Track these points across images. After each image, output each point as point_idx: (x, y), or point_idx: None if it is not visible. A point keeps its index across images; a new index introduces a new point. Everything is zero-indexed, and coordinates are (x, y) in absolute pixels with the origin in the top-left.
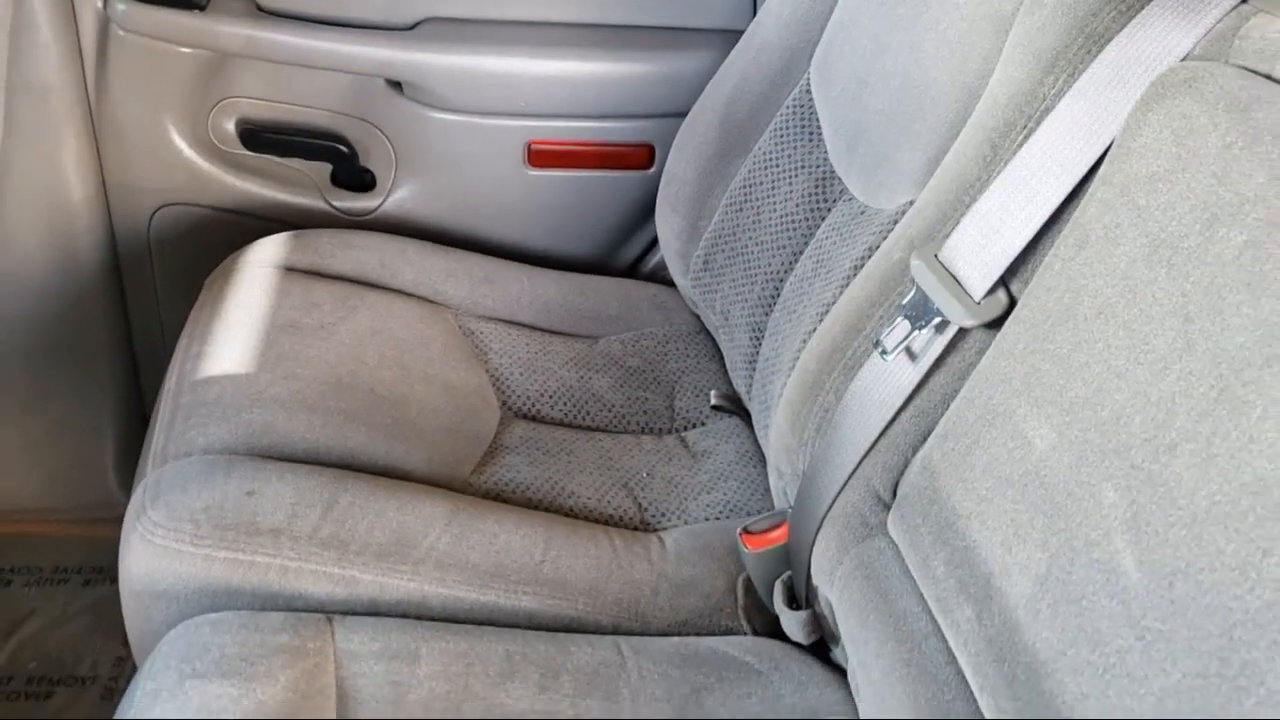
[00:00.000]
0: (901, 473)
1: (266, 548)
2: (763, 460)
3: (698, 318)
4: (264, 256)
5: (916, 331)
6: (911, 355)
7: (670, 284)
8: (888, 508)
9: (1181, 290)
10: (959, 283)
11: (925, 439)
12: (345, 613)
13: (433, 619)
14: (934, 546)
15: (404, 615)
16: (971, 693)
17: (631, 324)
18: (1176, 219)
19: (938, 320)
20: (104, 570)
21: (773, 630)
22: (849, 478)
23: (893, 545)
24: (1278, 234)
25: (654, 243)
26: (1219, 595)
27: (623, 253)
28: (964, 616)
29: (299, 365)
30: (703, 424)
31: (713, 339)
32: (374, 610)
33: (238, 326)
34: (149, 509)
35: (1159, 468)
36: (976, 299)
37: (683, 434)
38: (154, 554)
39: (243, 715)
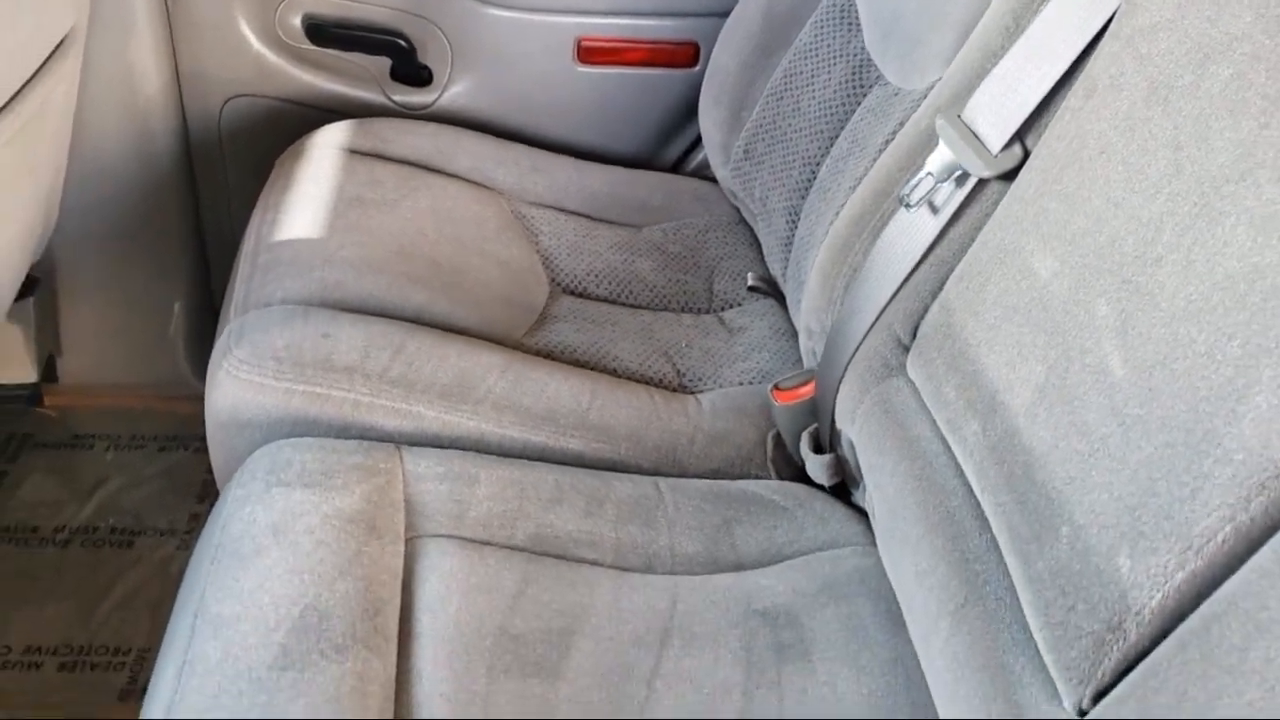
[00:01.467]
0: (921, 317)
1: (341, 383)
2: (795, 335)
3: (737, 210)
4: (330, 140)
5: (939, 185)
6: (933, 208)
7: (711, 180)
8: (907, 350)
9: (1174, 124)
10: (979, 138)
11: (943, 285)
12: (412, 444)
13: (489, 454)
14: (946, 375)
15: (464, 450)
16: (974, 496)
17: (673, 214)
18: (1174, 62)
19: (958, 173)
20: (177, 438)
21: (799, 479)
22: (872, 325)
23: (910, 384)
24: (1261, 66)
25: (696, 142)
26: (1189, 379)
27: (666, 151)
28: (970, 431)
29: (365, 233)
30: (739, 304)
31: (751, 230)
32: (437, 444)
33: (308, 198)
34: (234, 349)
35: (1146, 279)
36: (994, 152)
37: (720, 313)
38: (239, 388)
39: (322, 518)
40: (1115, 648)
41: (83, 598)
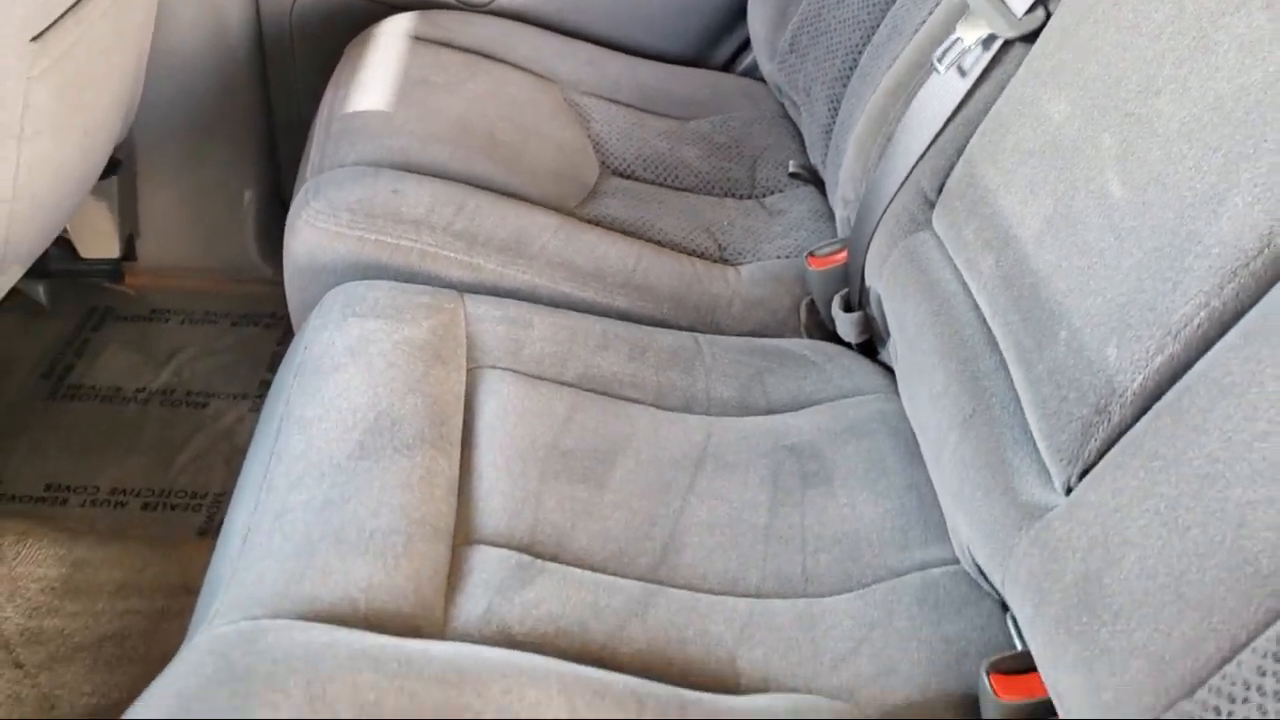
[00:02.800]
0: (947, 174)
1: (409, 234)
2: (832, 218)
3: (781, 105)
4: (397, 29)
5: (968, 50)
6: (961, 71)
7: (758, 80)
8: (932, 205)
9: None
10: (1005, 4)
11: (968, 142)
12: (472, 293)
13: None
14: (967, 220)
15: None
16: (986, 325)
17: (720, 109)
18: None
19: (985, 35)
20: (248, 315)
21: (829, 341)
22: (901, 184)
23: (935, 236)
24: None
25: (745, 44)
26: (1178, 190)
27: (716, 51)
28: (985, 265)
29: (430, 110)
30: (780, 190)
31: (794, 124)
32: (495, 293)
33: (376, 78)
34: (311, 201)
35: (1146, 109)
36: (1019, 15)
37: (762, 199)
38: (316, 236)
39: (393, 344)
40: (1100, 429)
41: (162, 449)
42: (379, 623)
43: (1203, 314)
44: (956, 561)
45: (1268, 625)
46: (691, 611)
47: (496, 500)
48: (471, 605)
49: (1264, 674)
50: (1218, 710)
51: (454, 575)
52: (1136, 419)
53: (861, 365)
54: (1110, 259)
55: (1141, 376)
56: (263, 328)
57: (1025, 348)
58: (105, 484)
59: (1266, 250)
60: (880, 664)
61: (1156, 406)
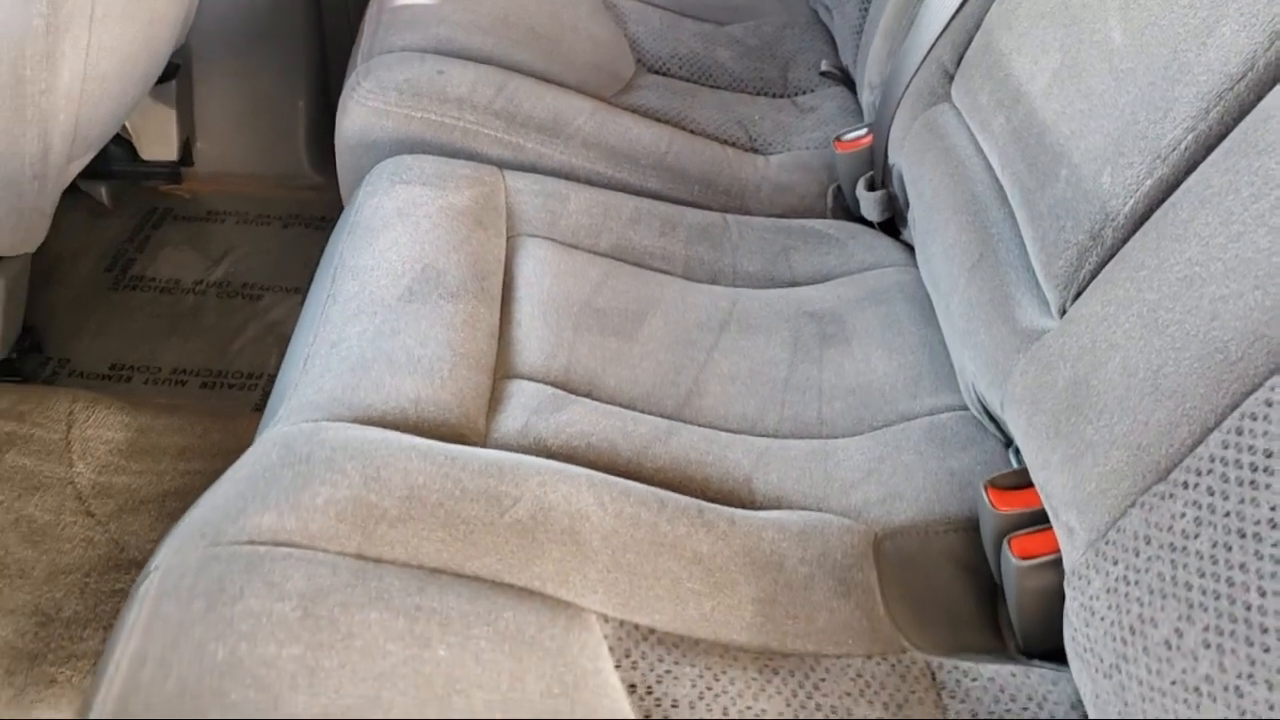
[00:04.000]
0: (966, 47)
1: (452, 112)
2: (861, 114)
3: (815, 11)
4: None
5: None
6: None
7: None
8: (952, 79)
9: None
10: None
11: (986, 15)
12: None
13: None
14: (982, 85)
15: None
16: (997, 181)
17: (755, 14)
18: None
19: None
20: (299, 217)
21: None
22: (922, 61)
23: (953, 108)
24: None
25: None
26: (1172, 28)
27: None
28: (997, 124)
29: (473, 3)
30: (812, 90)
31: (826, 29)
32: (534, 171)
33: None
34: (362, 83)
35: None
36: None
37: (793, 97)
38: (366, 114)
39: (438, 209)
40: (1094, 253)
41: (219, 335)
42: (427, 430)
43: (1189, 138)
44: (964, 407)
45: (1233, 408)
46: (712, 443)
47: (534, 344)
48: (510, 422)
49: (1227, 447)
50: (1185, 485)
51: (494, 400)
52: (1126, 240)
53: (882, 241)
54: (1109, 99)
55: (1132, 200)
56: (313, 229)
57: (1029, 189)
58: (165, 365)
59: (1250, 74)
60: (887, 490)
61: (1144, 227)
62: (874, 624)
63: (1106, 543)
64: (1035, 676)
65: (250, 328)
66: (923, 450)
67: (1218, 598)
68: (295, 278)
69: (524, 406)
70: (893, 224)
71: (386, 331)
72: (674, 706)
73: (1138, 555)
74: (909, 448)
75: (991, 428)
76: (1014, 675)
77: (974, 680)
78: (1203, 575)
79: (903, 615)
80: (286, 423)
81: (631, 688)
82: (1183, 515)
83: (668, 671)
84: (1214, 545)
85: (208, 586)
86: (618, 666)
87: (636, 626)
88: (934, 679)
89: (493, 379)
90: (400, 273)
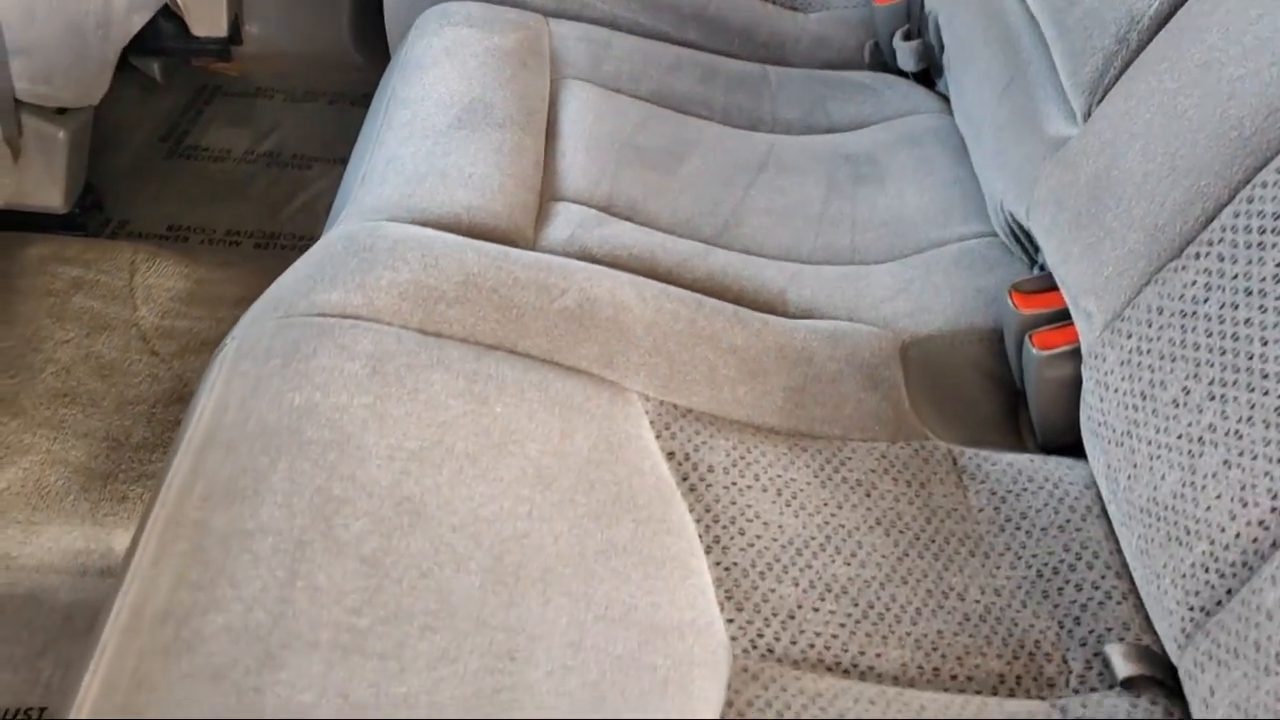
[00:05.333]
0: None
1: None
2: None
3: None
4: None
5: None
6: None
7: None
8: None
9: None
10: None
11: None
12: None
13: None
14: None
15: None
16: (1028, 9)
17: None
18: None
19: None
20: (344, 94)
21: None
22: None
23: None
24: None
25: None
26: None
27: None
28: None
29: None
30: None
31: None
32: (578, 17)
33: None
34: None
35: None
36: None
37: None
38: None
39: (484, 49)
40: (1119, 56)
41: (270, 201)
42: (479, 235)
43: None
44: (993, 234)
45: (1246, 181)
46: (747, 263)
47: (577, 172)
48: (556, 233)
49: (1238, 215)
50: (1197, 255)
51: (540, 217)
52: (1150, 41)
53: (918, 91)
54: None
55: (1157, 2)
56: (359, 106)
57: (1059, 8)
58: (220, 227)
59: None
60: (916, 305)
61: (1167, 24)
62: (899, 415)
63: (1122, 320)
64: (1052, 463)
65: (300, 195)
66: (951, 272)
67: (1223, 353)
68: (343, 150)
69: (569, 221)
70: (928, 75)
71: (438, 152)
72: (709, 471)
73: (1150, 326)
74: (938, 270)
75: (1018, 251)
76: (1032, 462)
77: (993, 465)
78: (1209, 335)
79: (927, 411)
80: (348, 224)
81: (670, 455)
82: (1193, 284)
83: (704, 443)
84: (1221, 306)
85: (283, 348)
86: (658, 437)
87: (675, 406)
88: (955, 463)
89: (539, 200)
90: (449, 103)
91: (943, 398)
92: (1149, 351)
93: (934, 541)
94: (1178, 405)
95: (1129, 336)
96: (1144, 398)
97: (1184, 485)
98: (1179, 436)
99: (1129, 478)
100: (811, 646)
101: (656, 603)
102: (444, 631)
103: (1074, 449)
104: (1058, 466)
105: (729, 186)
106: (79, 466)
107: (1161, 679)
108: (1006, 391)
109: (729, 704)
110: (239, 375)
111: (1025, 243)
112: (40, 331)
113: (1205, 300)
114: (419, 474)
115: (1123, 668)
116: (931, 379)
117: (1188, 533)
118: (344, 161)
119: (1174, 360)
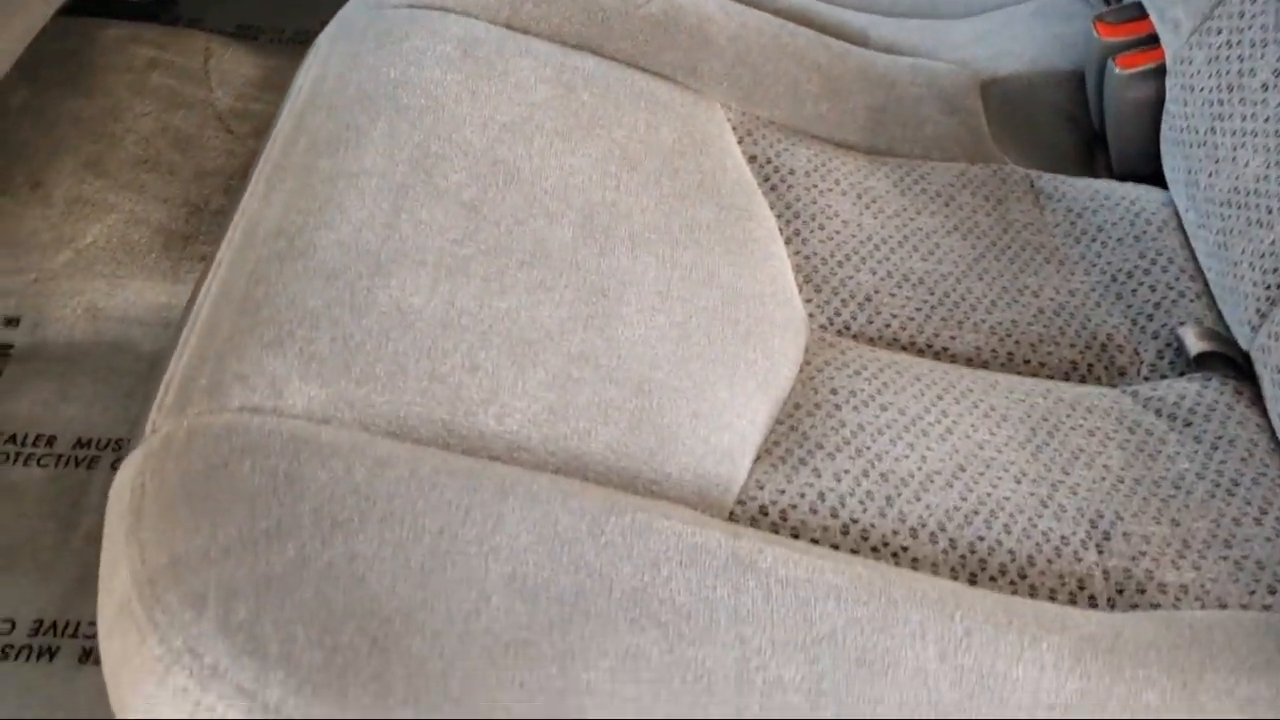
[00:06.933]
0: None
1: None
2: None
3: None
4: None
5: None
6: None
7: None
8: None
9: None
10: None
11: None
12: None
13: None
14: None
15: None
16: None
17: None
18: None
19: None
20: None
21: None
22: None
23: None
24: None
25: None
26: None
27: None
28: None
29: None
30: None
31: None
32: None
33: None
34: None
35: None
36: None
37: None
38: None
39: None
40: None
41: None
42: None
43: None
44: None
45: None
46: (829, 8)
47: None
48: None
49: None
50: None
51: None
52: None
53: None
54: None
55: None
56: None
57: None
58: (290, 27)
59: None
60: (996, 50)
61: None
62: (978, 139)
63: (1211, 19)
64: (1129, 186)
65: None
66: (1030, 22)
67: None
68: None
69: None
70: None
71: None
72: (790, 174)
73: (1242, 18)
74: (1018, 20)
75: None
76: (1108, 184)
77: (1070, 186)
78: None
79: (1006, 143)
80: None
81: (752, 158)
82: None
83: (785, 149)
84: None
85: (377, 31)
86: (739, 141)
87: (757, 116)
88: (1032, 185)
89: None
90: None
91: (1021, 132)
92: (1239, 43)
93: (1009, 248)
94: (1266, 89)
95: (1218, 33)
96: (1230, 90)
97: (1268, 167)
98: (1266, 120)
99: (1209, 175)
100: (888, 326)
101: (739, 274)
102: (540, 267)
103: (1150, 181)
104: (1134, 189)
105: None
106: (160, 227)
107: (1232, 357)
108: (1084, 131)
109: (807, 363)
110: (336, 53)
111: None
112: (120, 103)
113: None
114: (511, 142)
115: (1195, 345)
116: (1010, 115)
117: (1269, 212)
118: None
119: (1265, 45)
